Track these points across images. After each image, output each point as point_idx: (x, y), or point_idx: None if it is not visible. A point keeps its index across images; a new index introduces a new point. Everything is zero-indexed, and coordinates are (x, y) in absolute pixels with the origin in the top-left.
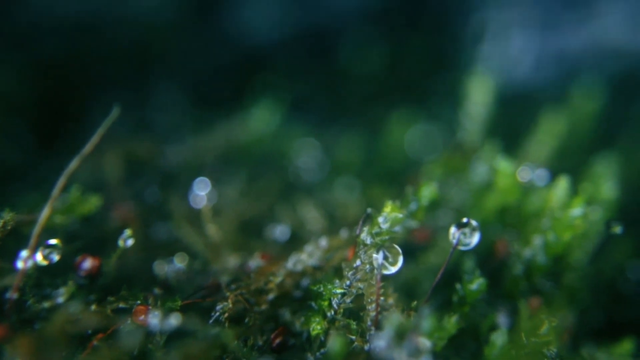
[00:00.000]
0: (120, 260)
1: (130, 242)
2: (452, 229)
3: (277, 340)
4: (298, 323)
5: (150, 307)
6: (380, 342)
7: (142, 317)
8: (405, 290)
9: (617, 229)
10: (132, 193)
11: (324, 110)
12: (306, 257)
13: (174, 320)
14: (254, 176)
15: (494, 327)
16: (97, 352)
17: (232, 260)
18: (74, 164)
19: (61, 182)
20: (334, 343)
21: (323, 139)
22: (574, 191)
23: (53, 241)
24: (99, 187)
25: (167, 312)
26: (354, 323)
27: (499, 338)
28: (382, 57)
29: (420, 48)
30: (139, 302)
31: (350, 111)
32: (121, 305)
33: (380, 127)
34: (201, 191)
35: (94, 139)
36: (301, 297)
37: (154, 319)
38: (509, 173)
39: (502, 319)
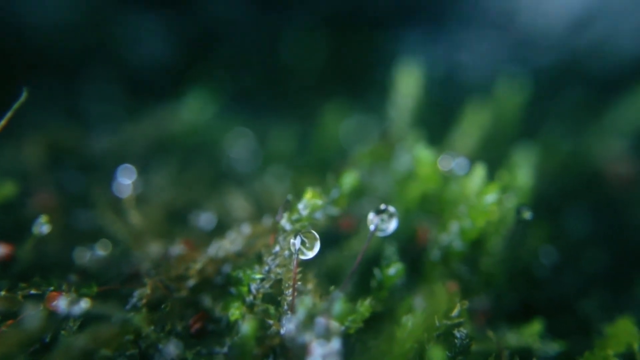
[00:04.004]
0: (39, 247)
1: (46, 228)
2: (370, 216)
3: (196, 326)
4: (218, 309)
5: (63, 294)
6: (290, 325)
7: (54, 303)
8: (329, 276)
9: (527, 215)
10: (55, 180)
11: (262, 102)
12: (228, 244)
13: (84, 304)
14: (185, 165)
15: (410, 311)
16: (5, 337)
17: (154, 248)
18: None
19: None
20: (246, 326)
21: (257, 129)
22: (490, 179)
23: None
24: (22, 175)
25: (78, 297)
26: (273, 308)
27: (409, 320)
28: (323, 50)
29: (361, 42)
30: (52, 288)
31: (289, 103)
32: (33, 291)
33: (317, 118)
34: (126, 179)
35: (2, 123)
36: (222, 283)
37: (62, 302)
38: (429, 162)
39: (417, 302)
